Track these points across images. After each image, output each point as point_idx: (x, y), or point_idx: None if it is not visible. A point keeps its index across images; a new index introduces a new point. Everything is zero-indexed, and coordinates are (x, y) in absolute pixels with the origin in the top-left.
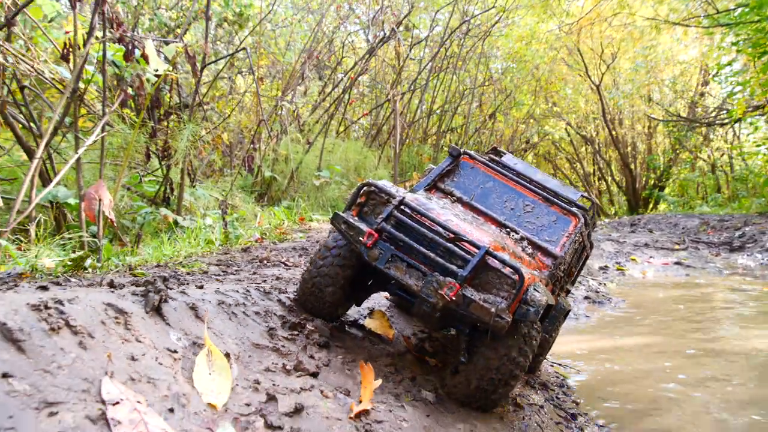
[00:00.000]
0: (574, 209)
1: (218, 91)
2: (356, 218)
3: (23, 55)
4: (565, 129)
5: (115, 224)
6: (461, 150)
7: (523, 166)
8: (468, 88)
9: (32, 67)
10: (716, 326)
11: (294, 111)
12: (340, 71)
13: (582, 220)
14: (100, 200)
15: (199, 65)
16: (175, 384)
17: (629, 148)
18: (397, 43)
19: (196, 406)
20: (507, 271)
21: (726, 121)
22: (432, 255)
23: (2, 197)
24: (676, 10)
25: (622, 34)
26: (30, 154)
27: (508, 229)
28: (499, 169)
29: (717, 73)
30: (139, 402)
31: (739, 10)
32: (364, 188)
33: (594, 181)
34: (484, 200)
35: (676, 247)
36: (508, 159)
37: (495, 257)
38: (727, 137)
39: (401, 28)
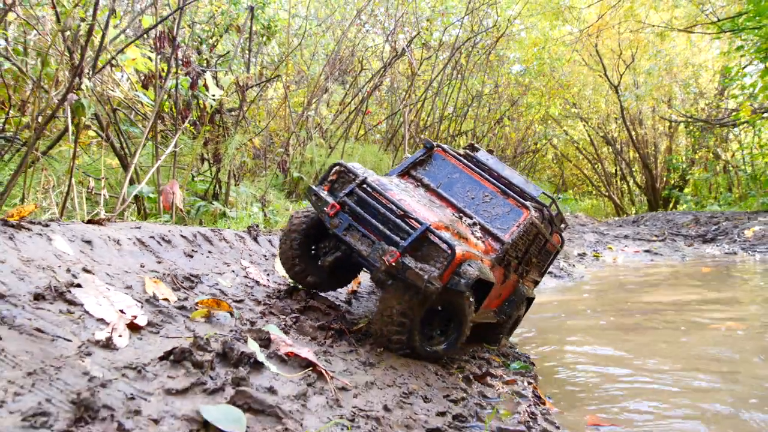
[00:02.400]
0: (527, 203)
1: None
2: (327, 193)
3: (115, 84)
4: (585, 129)
5: (183, 213)
6: (435, 143)
7: (494, 162)
8: (476, 95)
9: (117, 95)
10: (637, 292)
11: (319, 120)
12: (362, 79)
13: (532, 212)
14: (173, 194)
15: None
16: (268, 266)
17: (650, 149)
18: (409, 62)
19: (277, 275)
20: (444, 246)
21: (733, 122)
22: (381, 227)
23: (95, 192)
24: (678, 18)
25: (638, 36)
26: (122, 161)
27: (463, 215)
28: (467, 162)
29: (731, 77)
30: (257, 269)
31: (743, 17)
32: (336, 167)
33: (616, 181)
34: (448, 188)
35: (654, 238)
36: (482, 155)
37: (434, 233)
38: (744, 138)
39: (413, 45)
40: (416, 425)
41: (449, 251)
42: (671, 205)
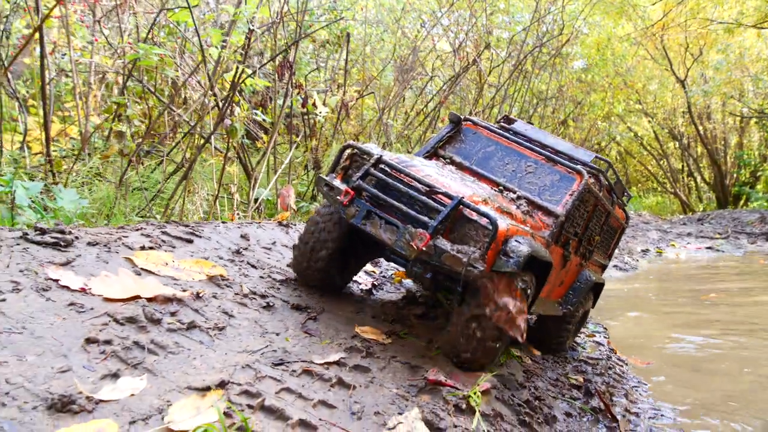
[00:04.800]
0: (578, 167)
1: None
2: (340, 182)
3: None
4: (650, 125)
5: (296, 211)
6: (462, 116)
7: (534, 132)
8: (541, 98)
9: (240, 117)
10: (695, 281)
11: (398, 128)
12: (431, 85)
13: (585, 176)
14: (289, 196)
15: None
16: None
17: (719, 144)
18: (479, 71)
19: None
20: (483, 221)
21: None
22: (406, 209)
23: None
24: (748, 10)
25: (706, 30)
26: (246, 169)
27: (504, 190)
28: (502, 133)
29: None
30: None
31: None
32: (347, 150)
33: (683, 178)
34: (484, 164)
35: (717, 236)
36: (519, 125)
37: (469, 207)
38: None
39: (482, 51)
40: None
41: (490, 225)
42: (742, 203)
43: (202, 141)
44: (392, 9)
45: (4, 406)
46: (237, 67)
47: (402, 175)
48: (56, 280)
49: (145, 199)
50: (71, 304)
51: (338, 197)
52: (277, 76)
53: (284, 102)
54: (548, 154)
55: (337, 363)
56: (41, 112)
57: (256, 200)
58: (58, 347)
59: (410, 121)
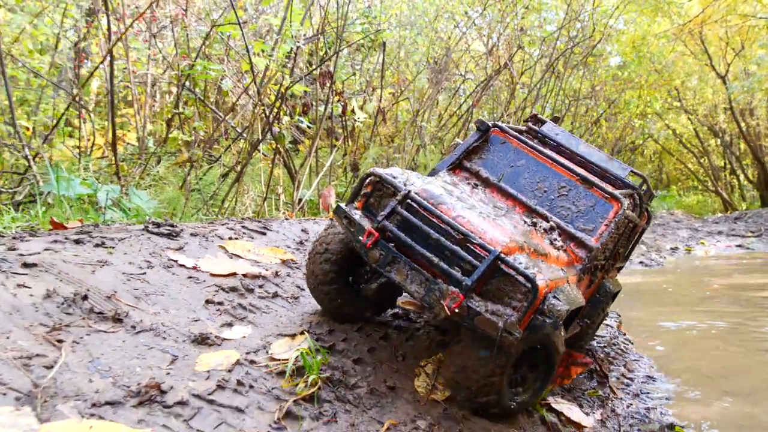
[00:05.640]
0: (615, 193)
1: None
2: (360, 212)
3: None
4: (690, 122)
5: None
6: (491, 123)
7: (565, 137)
8: (574, 97)
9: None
10: (717, 277)
11: (432, 130)
12: (465, 85)
13: (624, 204)
14: (330, 197)
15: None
16: None
17: (764, 141)
18: (510, 73)
19: None
20: (521, 278)
21: None
22: (435, 260)
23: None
24: None
25: (747, 24)
26: (290, 172)
27: (537, 216)
28: (533, 144)
29: None
30: None
31: None
32: (370, 178)
33: (725, 176)
34: (513, 181)
35: (749, 234)
36: (549, 128)
37: (506, 263)
38: None
39: (514, 53)
40: None
41: (529, 285)
42: None
43: (251, 147)
44: (425, 12)
45: (164, 339)
46: (283, 78)
47: (432, 215)
48: (175, 261)
49: (203, 199)
50: (189, 277)
51: (360, 237)
52: (318, 84)
53: (325, 109)
54: (584, 174)
55: (384, 324)
56: (107, 123)
57: (300, 201)
58: (188, 305)
59: (444, 123)
